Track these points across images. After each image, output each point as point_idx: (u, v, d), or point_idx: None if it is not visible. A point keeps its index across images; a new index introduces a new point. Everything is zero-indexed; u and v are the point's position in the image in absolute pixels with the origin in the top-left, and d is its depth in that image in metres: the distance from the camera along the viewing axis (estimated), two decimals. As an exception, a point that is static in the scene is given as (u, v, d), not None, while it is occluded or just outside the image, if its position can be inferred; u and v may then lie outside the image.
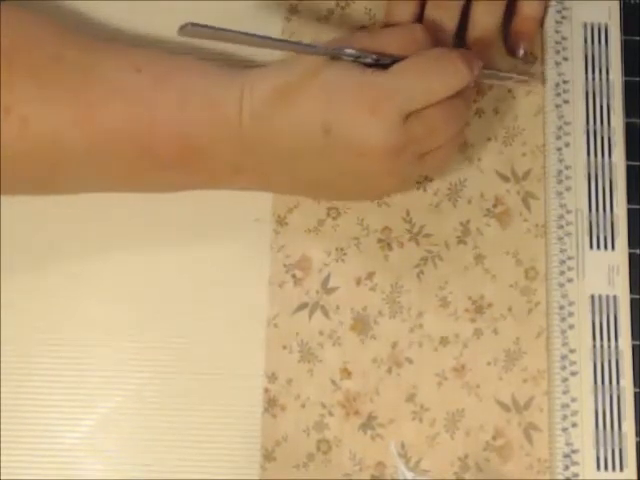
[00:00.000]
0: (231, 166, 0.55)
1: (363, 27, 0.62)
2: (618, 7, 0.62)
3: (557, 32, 0.62)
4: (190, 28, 0.48)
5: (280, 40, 0.52)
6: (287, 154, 0.54)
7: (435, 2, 0.59)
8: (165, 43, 0.59)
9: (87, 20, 0.61)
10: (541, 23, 0.62)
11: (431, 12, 0.59)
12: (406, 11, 0.59)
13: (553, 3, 0.62)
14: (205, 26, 0.48)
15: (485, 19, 0.59)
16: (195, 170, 0.55)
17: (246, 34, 0.50)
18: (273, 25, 0.62)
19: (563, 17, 0.62)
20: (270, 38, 0.52)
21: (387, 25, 0.61)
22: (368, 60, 0.54)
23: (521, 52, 0.61)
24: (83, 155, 0.53)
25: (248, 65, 0.57)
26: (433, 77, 0.53)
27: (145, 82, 0.54)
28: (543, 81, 0.61)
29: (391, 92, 0.52)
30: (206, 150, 0.54)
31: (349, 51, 0.53)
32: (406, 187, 0.60)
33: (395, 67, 0.53)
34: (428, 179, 0.60)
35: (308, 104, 0.53)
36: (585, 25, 0.62)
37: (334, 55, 0.53)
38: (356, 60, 0.53)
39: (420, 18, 0.60)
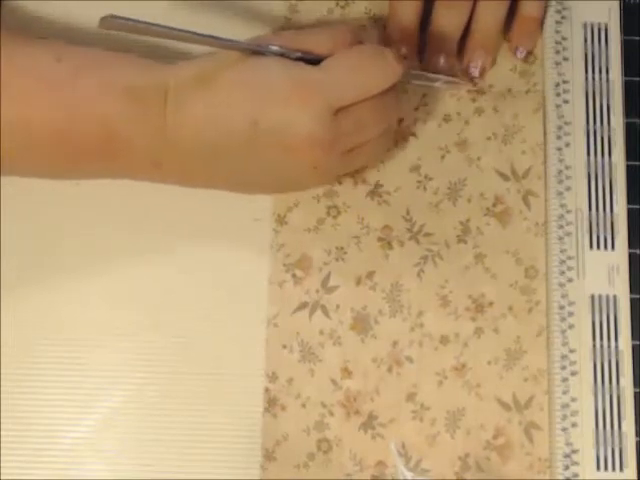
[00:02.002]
0: (151, 159, 0.54)
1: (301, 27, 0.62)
2: (618, 7, 0.63)
3: (557, 32, 0.62)
4: (110, 20, 0.47)
5: (203, 35, 0.51)
6: (211, 149, 0.54)
7: (444, 2, 0.59)
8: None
9: (9, 13, 0.60)
10: (541, 23, 0.62)
11: (440, 11, 0.59)
12: (409, 11, 0.60)
13: (553, 3, 0.62)
14: (126, 19, 0.48)
15: (488, 19, 0.60)
16: (113, 160, 0.55)
17: (168, 28, 0.50)
18: (273, 24, 0.62)
19: (563, 17, 0.62)
20: (193, 32, 0.51)
21: (387, 25, 0.61)
22: (293, 57, 0.53)
23: (522, 52, 0.61)
24: (5, 142, 0.53)
25: (174, 59, 0.56)
26: (364, 72, 0.53)
27: (66, 71, 0.53)
28: (474, 83, 0.61)
29: (321, 86, 0.52)
30: (126, 141, 0.53)
31: (273, 48, 0.53)
32: (329, 181, 0.59)
33: (326, 62, 0.53)
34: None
35: (234, 97, 0.53)
36: (585, 25, 0.62)
37: (258, 51, 0.53)
38: (282, 57, 0.53)
39: (423, 18, 0.60)
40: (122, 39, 0.54)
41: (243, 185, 0.58)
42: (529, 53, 0.62)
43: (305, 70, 0.53)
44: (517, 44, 0.61)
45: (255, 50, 0.53)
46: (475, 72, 0.61)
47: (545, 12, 0.62)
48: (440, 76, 0.60)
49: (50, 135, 0.53)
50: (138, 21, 0.48)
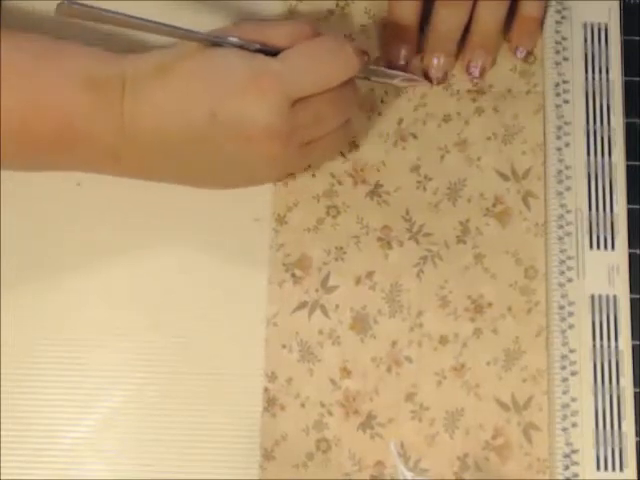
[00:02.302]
0: (110, 151, 0.54)
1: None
2: (618, 7, 0.63)
3: (557, 32, 0.62)
4: (67, 6, 0.47)
5: (162, 24, 0.51)
6: (170, 140, 0.53)
7: (444, 2, 0.59)
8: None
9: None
10: (541, 23, 0.62)
11: (439, 11, 0.59)
12: (408, 11, 0.60)
13: (553, 3, 0.62)
14: (83, 5, 0.47)
15: (488, 18, 0.60)
16: (71, 151, 0.54)
17: (126, 16, 0.49)
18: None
19: (563, 17, 0.62)
20: (151, 21, 0.51)
21: (386, 25, 0.61)
22: (251, 49, 0.53)
23: (522, 52, 0.61)
24: None
25: (133, 49, 0.56)
26: (322, 63, 0.53)
27: (24, 61, 0.53)
28: (433, 82, 0.61)
29: (279, 77, 0.52)
30: (84, 132, 0.53)
31: (232, 39, 0.53)
32: (287, 175, 0.59)
33: (284, 53, 0.53)
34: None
35: (192, 88, 0.52)
36: (585, 25, 0.62)
37: (217, 42, 0.53)
38: (241, 49, 0.53)
39: (422, 18, 0.60)
40: (81, 27, 0.54)
41: (202, 179, 0.57)
42: (529, 53, 0.61)
43: (263, 61, 0.52)
44: (517, 44, 0.61)
45: (214, 41, 0.53)
46: (475, 72, 0.61)
47: (545, 12, 0.62)
48: (399, 73, 0.60)
49: (8, 125, 0.52)
50: (95, 8, 0.48)
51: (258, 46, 0.53)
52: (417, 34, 0.61)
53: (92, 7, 0.48)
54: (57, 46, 0.54)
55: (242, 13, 0.62)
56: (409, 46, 0.61)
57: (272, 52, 0.53)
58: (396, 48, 0.60)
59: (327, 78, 0.53)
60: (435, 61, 0.61)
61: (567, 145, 0.60)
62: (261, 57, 0.52)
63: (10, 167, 0.57)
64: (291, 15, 0.62)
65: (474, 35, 0.60)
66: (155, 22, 0.51)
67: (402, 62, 0.61)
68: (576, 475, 0.56)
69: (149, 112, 0.53)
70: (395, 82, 0.60)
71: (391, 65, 0.61)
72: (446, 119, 0.61)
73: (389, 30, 0.61)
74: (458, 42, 0.61)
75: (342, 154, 0.60)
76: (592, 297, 0.58)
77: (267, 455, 0.57)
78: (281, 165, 0.56)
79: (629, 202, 0.60)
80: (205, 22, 0.58)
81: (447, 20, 0.59)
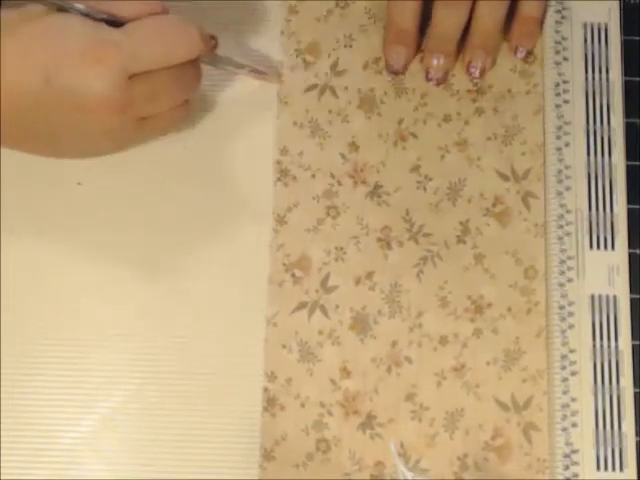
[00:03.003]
0: None
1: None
2: (618, 7, 0.62)
3: (557, 32, 0.62)
4: None
5: None
6: (9, 107, 0.52)
7: (443, 2, 0.59)
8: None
9: None
10: (541, 23, 0.62)
11: (439, 11, 0.59)
12: (408, 14, 0.60)
13: (553, 3, 0.62)
14: None
15: (488, 18, 0.59)
16: None
17: None
18: (273, 25, 0.62)
19: (563, 17, 0.62)
20: None
21: (386, 27, 0.61)
22: (97, 18, 0.52)
23: (522, 52, 0.61)
24: None
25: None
26: (165, 40, 0.52)
27: None
28: (279, 77, 0.62)
29: (119, 47, 0.51)
30: None
31: (78, 6, 0.52)
32: (123, 148, 0.58)
33: (128, 25, 0.52)
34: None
35: (29, 52, 0.51)
36: (585, 25, 0.62)
37: (63, 8, 0.52)
38: (87, 17, 0.52)
39: (421, 18, 0.60)
40: None
41: (43, 145, 0.56)
42: (529, 53, 0.61)
43: (105, 31, 0.52)
44: (517, 44, 0.61)
45: (60, 6, 0.52)
46: (475, 72, 0.61)
47: (545, 12, 0.62)
48: (247, 64, 0.60)
49: None
50: None
51: (105, 16, 0.52)
52: (417, 37, 0.61)
53: None
54: None
55: (242, 13, 0.62)
56: (409, 49, 0.61)
57: (118, 24, 0.52)
58: (396, 51, 0.60)
59: (167, 55, 0.52)
60: (435, 61, 0.61)
61: (567, 145, 0.60)
62: (104, 27, 0.52)
63: None
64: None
65: (474, 36, 0.60)
66: None
67: (402, 64, 0.61)
68: (576, 475, 0.56)
69: None
70: (242, 72, 0.60)
71: (391, 68, 0.61)
72: (446, 119, 0.61)
73: (389, 33, 0.61)
74: (458, 42, 0.60)
75: (342, 155, 0.60)
76: (592, 297, 0.58)
77: (267, 455, 0.57)
78: (117, 137, 0.55)
79: (629, 202, 0.60)
80: (204, 23, 0.58)
81: (446, 20, 0.59)
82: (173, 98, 0.55)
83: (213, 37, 0.56)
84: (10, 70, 0.51)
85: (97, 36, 0.51)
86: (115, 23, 0.52)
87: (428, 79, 0.61)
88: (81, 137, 0.54)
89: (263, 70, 0.61)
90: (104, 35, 0.51)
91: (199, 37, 0.53)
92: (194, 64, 0.55)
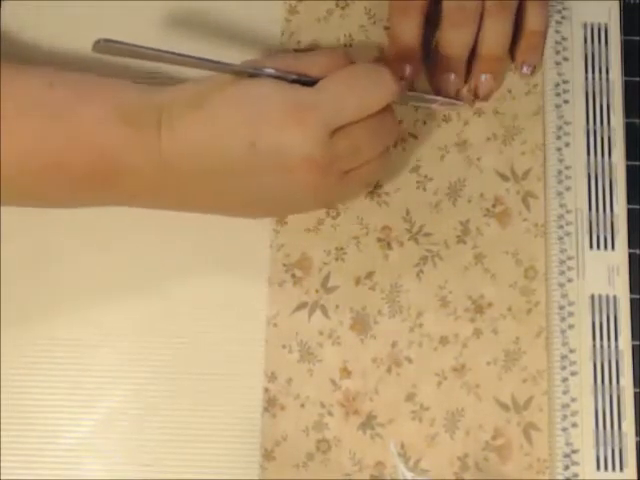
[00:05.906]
0: (149, 185, 0.53)
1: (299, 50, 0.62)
2: (618, 7, 0.63)
3: (557, 32, 0.62)
4: (104, 44, 0.47)
5: (198, 58, 0.51)
6: (210, 172, 0.53)
7: (451, 21, 0.58)
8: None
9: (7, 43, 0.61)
10: (545, 36, 0.62)
11: (446, 32, 0.59)
12: (409, 31, 0.59)
13: (553, 3, 0.62)
14: (119, 42, 0.47)
15: (495, 36, 0.59)
16: (110, 189, 0.54)
17: (162, 51, 0.50)
18: (273, 25, 0.62)
19: (563, 17, 0.62)
20: (187, 55, 0.51)
21: (388, 44, 0.61)
22: (288, 80, 0.53)
23: (529, 68, 0.61)
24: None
25: (168, 83, 0.55)
26: (360, 90, 0.52)
27: (59, 97, 0.52)
28: (471, 104, 0.61)
29: (317, 106, 0.51)
30: (123, 168, 0.52)
31: (269, 70, 0.53)
32: (328, 205, 0.59)
33: (322, 82, 0.52)
34: (427, 178, 0.60)
35: (230, 120, 0.52)
36: (585, 25, 0.62)
37: (254, 74, 0.53)
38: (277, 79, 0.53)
39: (423, 38, 0.60)
40: (116, 63, 0.54)
41: (243, 209, 0.57)
42: (534, 69, 0.61)
43: (300, 91, 0.52)
44: (523, 59, 0.61)
45: (251, 73, 0.53)
46: (482, 96, 0.61)
47: (548, 24, 0.61)
48: (438, 97, 0.60)
49: (45, 165, 0.52)
50: (132, 45, 0.48)
51: (295, 76, 0.53)
52: (420, 53, 0.60)
53: (128, 44, 0.48)
54: (91, 82, 0.54)
55: (242, 13, 0.62)
56: (411, 65, 0.60)
57: (309, 82, 0.53)
58: (399, 68, 0.60)
59: (365, 105, 0.52)
60: (444, 82, 0.60)
61: (567, 145, 0.60)
62: (298, 87, 0.52)
63: (49, 203, 0.57)
64: (316, 46, 0.62)
65: (481, 62, 0.60)
66: (191, 56, 0.51)
67: (407, 80, 0.60)
68: (576, 475, 0.56)
69: (186, 145, 0.52)
70: (434, 106, 0.60)
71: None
72: (446, 119, 0.61)
73: (391, 50, 0.61)
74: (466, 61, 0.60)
75: None
76: (592, 297, 0.58)
77: (267, 455, 0.57)
78: (322, 195, 0.55)
79: (629, 202, 0.60)
80: (203, 23, 0.58)
81: (454, 43, 0.59)
82: (374, 148, 0.54)
83: (402, 77, 0.56)
84: (213, 140, 0.52)
85: (294, 97, 0.51)
86: (306, 82, 0.53)
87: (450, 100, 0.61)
88: (285, 197, 0.54)
89: (453, 101, 0.60)
90: (300, 96, 0.52)
91: (391, 80, 0.53)
92: (389, 109, 0.54)
